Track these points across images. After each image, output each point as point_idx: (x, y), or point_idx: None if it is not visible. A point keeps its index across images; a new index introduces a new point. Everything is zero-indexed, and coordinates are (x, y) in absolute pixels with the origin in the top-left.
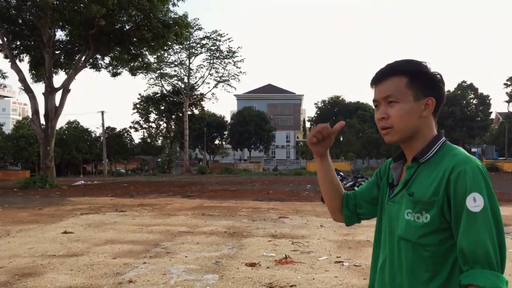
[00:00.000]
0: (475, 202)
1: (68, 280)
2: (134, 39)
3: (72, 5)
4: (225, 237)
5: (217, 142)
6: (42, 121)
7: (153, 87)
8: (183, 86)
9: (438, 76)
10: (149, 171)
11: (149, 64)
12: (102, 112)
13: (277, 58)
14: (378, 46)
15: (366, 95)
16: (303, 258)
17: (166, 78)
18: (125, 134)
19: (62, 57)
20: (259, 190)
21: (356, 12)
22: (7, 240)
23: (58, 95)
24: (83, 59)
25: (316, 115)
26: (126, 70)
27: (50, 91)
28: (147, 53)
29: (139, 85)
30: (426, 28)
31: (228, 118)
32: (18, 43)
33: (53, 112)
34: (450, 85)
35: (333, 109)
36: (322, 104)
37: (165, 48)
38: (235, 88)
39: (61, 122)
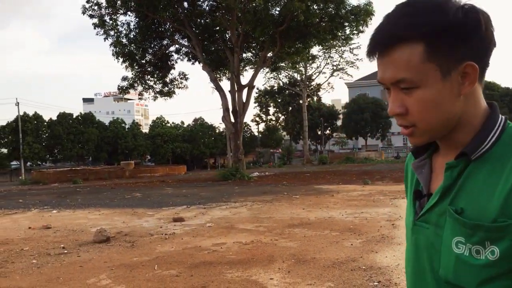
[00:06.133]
0: None
1: None
2: (317, 31)
3: (270, 6)
4: None
5: (327, 132)
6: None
7: (270, 80)
8: (299, 77)
9: (476, 16)
10: (270, 163)
11: (314, 55)
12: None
13: None
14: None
15: (494, 71)
16: None
17: (284, 70)
18: (245, 128)
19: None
20: None
21: None
22: None
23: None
24: (268, 55)
25: None
26: (285, 63)
27: (239, 88)
28: (316, 45)
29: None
30: None
31: (337, 107)
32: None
33: (241, 108)
34: None
35: None
36: None
37: (343, 37)
38: (351, 76)
39: (188, 120)
